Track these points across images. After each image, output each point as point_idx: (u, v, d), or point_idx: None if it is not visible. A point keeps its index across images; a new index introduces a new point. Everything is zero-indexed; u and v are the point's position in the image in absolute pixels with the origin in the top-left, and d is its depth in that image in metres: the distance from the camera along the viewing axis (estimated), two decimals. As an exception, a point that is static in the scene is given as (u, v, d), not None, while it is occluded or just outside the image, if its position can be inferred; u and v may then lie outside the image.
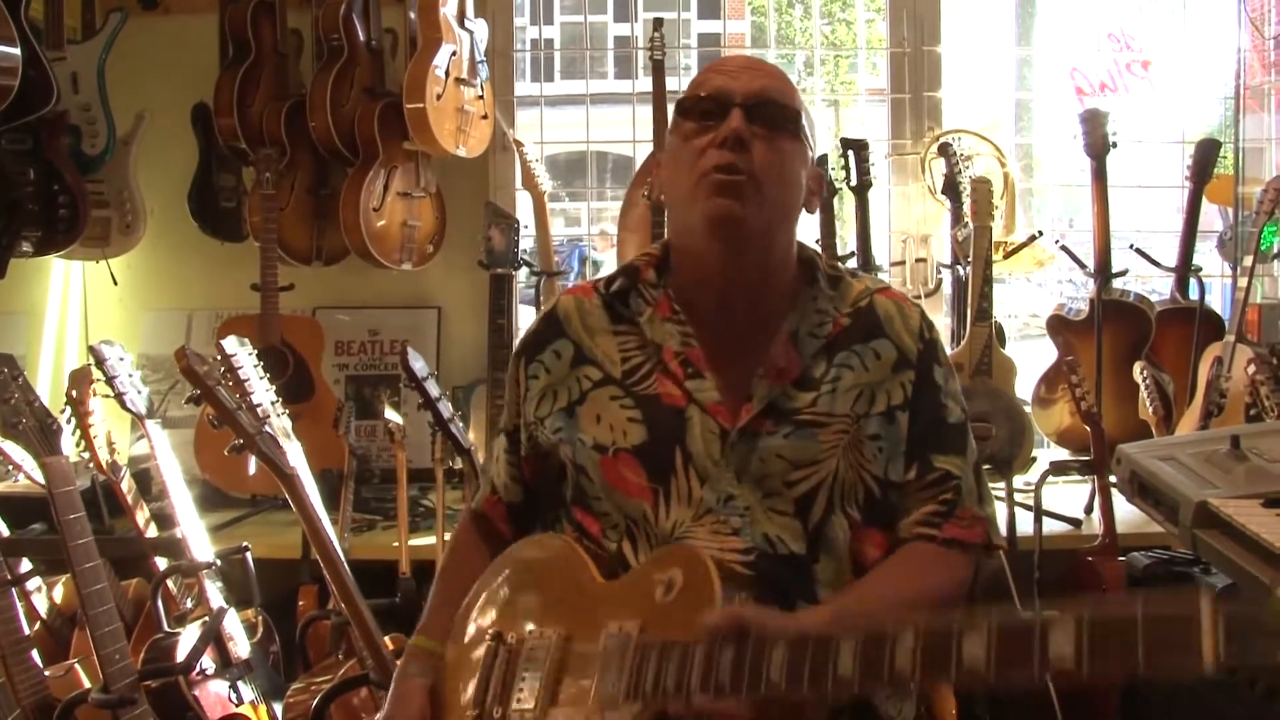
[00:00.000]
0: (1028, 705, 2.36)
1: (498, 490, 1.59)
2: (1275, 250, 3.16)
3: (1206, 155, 3.12)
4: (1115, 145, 3.03)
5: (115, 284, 3.25)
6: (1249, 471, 1.56)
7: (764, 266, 1.41)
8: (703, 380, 1.39)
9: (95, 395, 2.30)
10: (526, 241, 3.18)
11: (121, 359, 2.33)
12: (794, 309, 1.43)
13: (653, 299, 1.46)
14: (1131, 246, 3.17)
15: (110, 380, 2.28)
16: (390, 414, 2.72)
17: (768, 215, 1.37)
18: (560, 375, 1.47)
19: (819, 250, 1.52)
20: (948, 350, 3.07)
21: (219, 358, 2.17)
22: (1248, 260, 2.90)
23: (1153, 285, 3.52)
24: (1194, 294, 3.14)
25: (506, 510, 1.58)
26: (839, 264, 1.54)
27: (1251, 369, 2.70)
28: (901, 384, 1.41)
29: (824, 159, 3.10)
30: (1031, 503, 2.71)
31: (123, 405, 2.30)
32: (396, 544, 2.65)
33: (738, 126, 1.34)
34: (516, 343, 1.61)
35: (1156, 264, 3.18)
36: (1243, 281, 2.91)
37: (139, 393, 2.34)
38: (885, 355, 1.42)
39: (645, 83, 3.22)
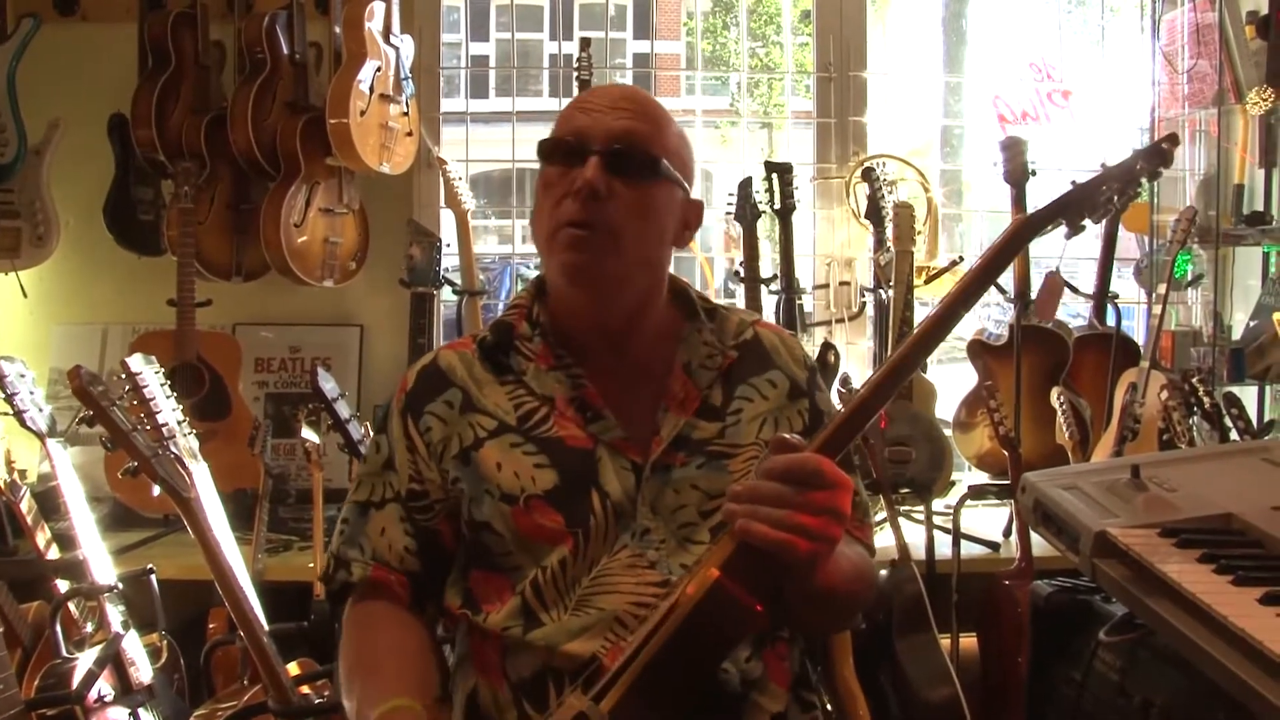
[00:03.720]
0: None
1: (385, 563, 1.41)
2: (1188, 278, 3.23)
3: (1123, 184, 3.17)
4: (1034, 173, 3.07)
5: (25, 296, 3.16)
6: (1148, 501, 1.57)
7: (628, 308, 1.41)
8: (604, 420, 1.38)
9: (-6, 413, 2.24)
10: (451, 260, 3.16)
11: (22, 375, 2.26)
12: (680, 342, 1.45)
13: (532, 353, 1.43)
14: (1063, 282, 3.21)
15: (10, 398, 2.21)
16: (307, 433, 2.67)
17: (625, 263, 1.36)
18: (453, 422, 1.41)
19: (690, 283, 1.53)
20: (869, 374, 3.14)
21: (124, 375, 2.12)
22: (1162, 288, 2.96)
23: (1075, 309, 3.57)
24: (1111, 320, 3.19)
25: (407, 580, 1.42)
26: (707, 296, 1.54)
27: (1164, 395, 2.76)
28: (799, 411, 1.46)
29: (749, 181, 3.11)
30: (950, 526, 2.74)
31: (22, 424, 2.23)
32: (312, 565, 2.61)
33: (591, 178, 1.31)
34: (394, 402, 1.47)
35: (1075, 290, 3.23)
36: (1157, 309, 2.96)
37: (40, 411, 2.27)
38: (780, 384, 1.47)
39: (575, 102, 3.20)
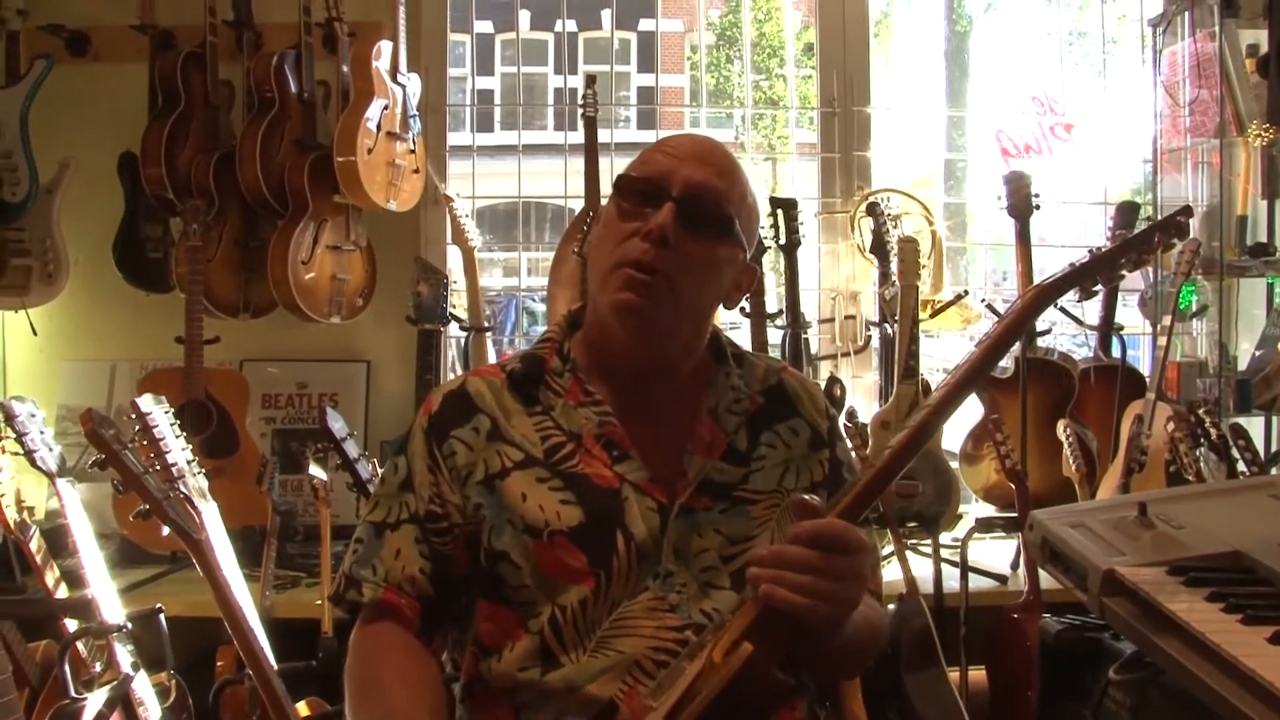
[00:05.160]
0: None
1: (398, 586, 1.38)
2: (1193, 309, 3.23)
3: (1127, 217, 3.20)
4: (1038, 207, 3.08)
5: (35, 334, 3.18)
6: (1155, 539, 1.58)
7: (668, 355, 1.42)
8: (631, 460, 1.38)
9: (4, 453, 2.24)
10: (458, 296, 3.17)
11: (33, 415, 2.27)
12: (708, 386, 1.45)
13: (561, 388, 1.43)
14: (1056, 305, 3.21)
15: (20, 438, 2.21)
16: (315, 469, 2.67)
17: (676, 313, 1.36)
18: (479, 449, 1.40)
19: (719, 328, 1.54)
20: (875, 408, 3.15)
21: (134, 416, 2.13)
22: (1167, 319, 2.96)
23: (1080, 339, 3.58)
24: (1117, 351, 3.19)
25: (419, 605, 1.38)
26: (736, 343, 1.55)
27: (1171, 426, 2.76)
28: (820, 462, 1.48)
29: (754, 217, 3.12)
30: (958, 559, 2.73)
31: (32, 463, 2.24)
32: (320, 602, 2.61)
33: (664, 223, 1.31)
34: (418, 423, 1.45)
35: (1080, 322, 3.24)
36: (1162, 340, 2.96)
37: (50, 450, 2.28)
38: (802, 433, 1.48)
39: (580, 136, 3.23)
